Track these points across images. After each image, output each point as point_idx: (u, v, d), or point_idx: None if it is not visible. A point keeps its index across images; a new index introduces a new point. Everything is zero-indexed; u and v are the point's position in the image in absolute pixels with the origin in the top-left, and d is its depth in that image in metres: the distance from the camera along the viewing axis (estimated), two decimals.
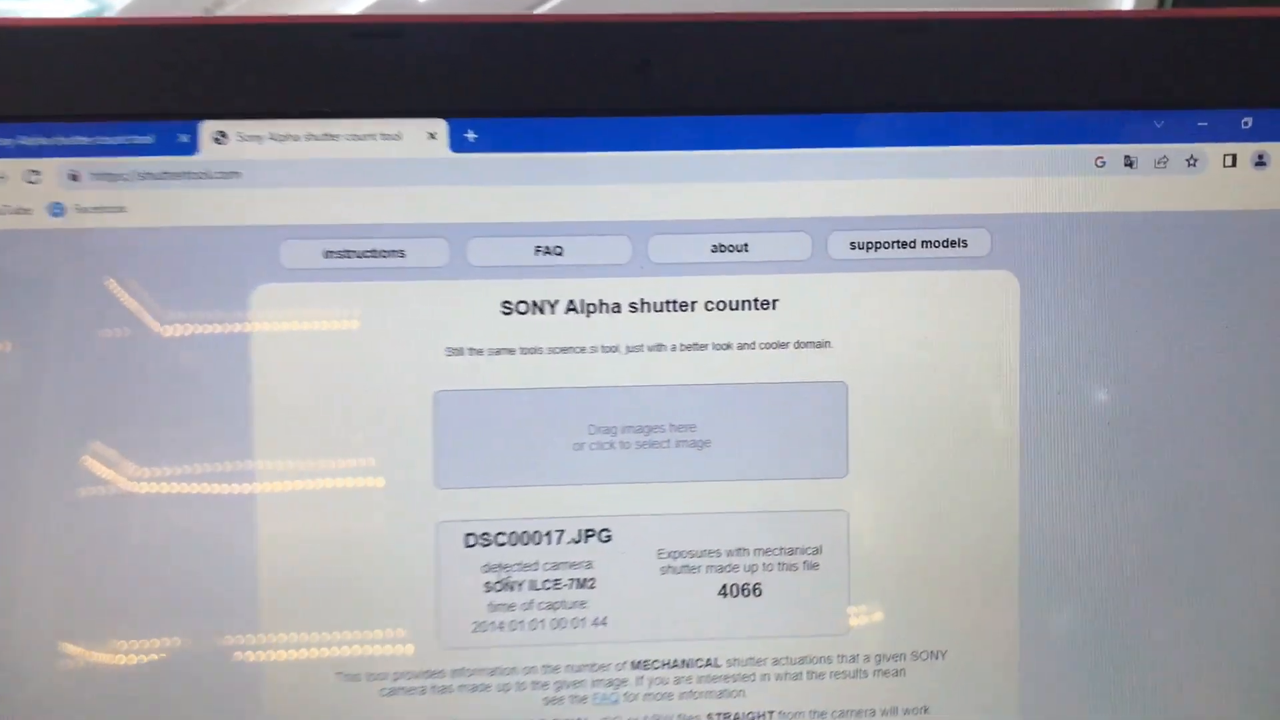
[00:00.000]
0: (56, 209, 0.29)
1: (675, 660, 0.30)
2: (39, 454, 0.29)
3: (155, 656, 0.30)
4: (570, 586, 0.30)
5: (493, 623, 0.30)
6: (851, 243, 0.30)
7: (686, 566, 0.30)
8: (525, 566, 0.30)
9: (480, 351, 0.30)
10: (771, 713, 0.31)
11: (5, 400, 0.29)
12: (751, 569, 0.30)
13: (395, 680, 0.30)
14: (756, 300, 0.30)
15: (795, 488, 0.30)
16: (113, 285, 0.29)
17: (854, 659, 0.31)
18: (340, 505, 0.30)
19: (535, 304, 0.30)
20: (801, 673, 0.31)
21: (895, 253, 0.30)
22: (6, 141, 0.29)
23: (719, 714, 0.31)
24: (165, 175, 0.29)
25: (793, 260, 0.30)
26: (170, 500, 0.30)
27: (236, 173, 0.29)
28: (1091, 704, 0.31)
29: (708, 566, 0.30)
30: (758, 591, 0.30)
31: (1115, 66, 0.30)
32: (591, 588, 0.30)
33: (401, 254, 0.30)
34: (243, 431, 0.30)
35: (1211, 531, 0.31)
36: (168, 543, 0.30)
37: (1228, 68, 0.30)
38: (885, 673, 0.31)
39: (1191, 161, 0.31)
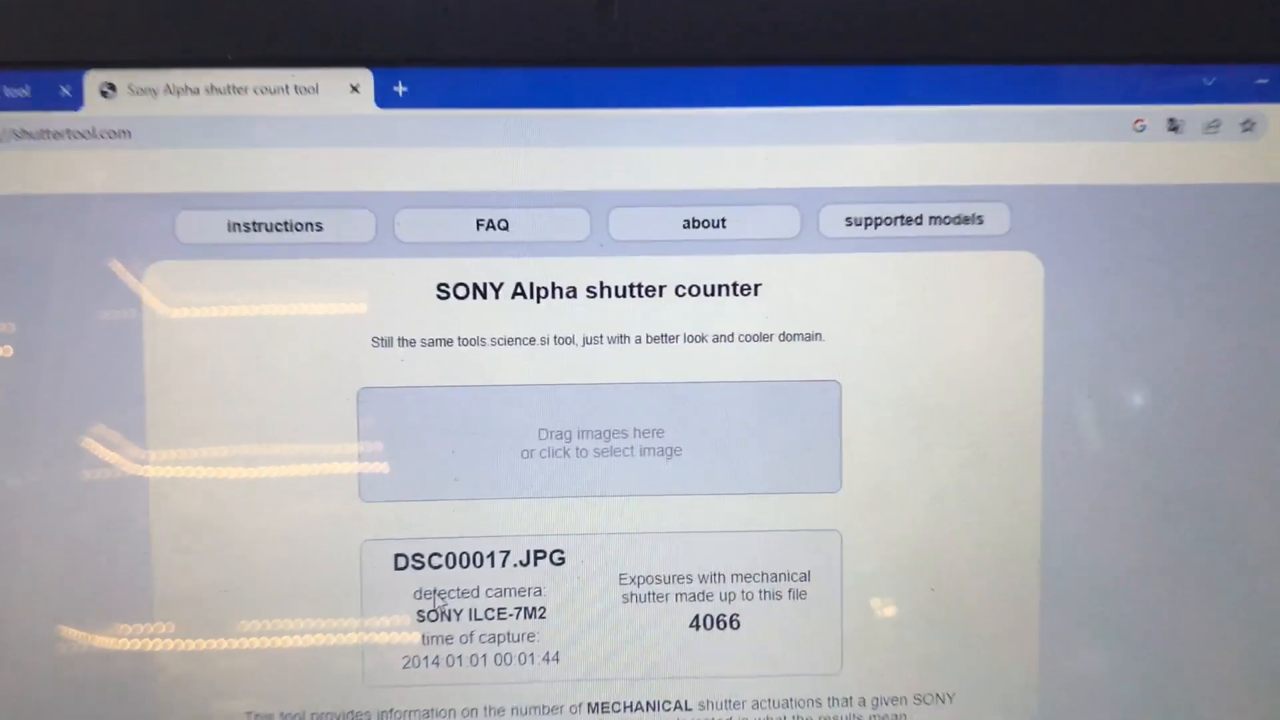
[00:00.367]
0: None
1: (639, 703, 0.27)
2: None
3: (44, 682, 0.26)
4: (517, 617, 0.26)
5: (426, 658, 0.26)
6: (847, 218, 0.26)
7: (653, 594, 0.26)
8: (464, 593, 0.26)
9: (412, 342, 0.26)
10: None
11: None
12: (728, 598, 0.27)
13: None
14: (735, 285, 0.26)
15: (780, 504, 0.26)
16: None
17: (847, 702, 0.27)
18: (248, 520, 0.26)
19: (476, 287, 0.26)
20: (785, 718, 0.26)
21: (898, 230, 0.26)
22: None
23: None
24: (44, 134, 0.25)
25: (778, 238, 0.26)
26: (55, 509, 0.25)
27: (126, 131, 0.25)
28: None
29: (678, 594, 0.27)
30: (735, 624, 0.26)
31: (1157, 13, 0.26)
32: (542, 618, 0.26)
33: (319, 227, 0.25)
34: (135, 432, 0.25)
35: (1271, 554, 0.26)
36: (52, 549, 0.25)
37: None
38: (883, 719, 0.26)
39: (1248, 126, 0.26)
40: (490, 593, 0.26)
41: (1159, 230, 0.27)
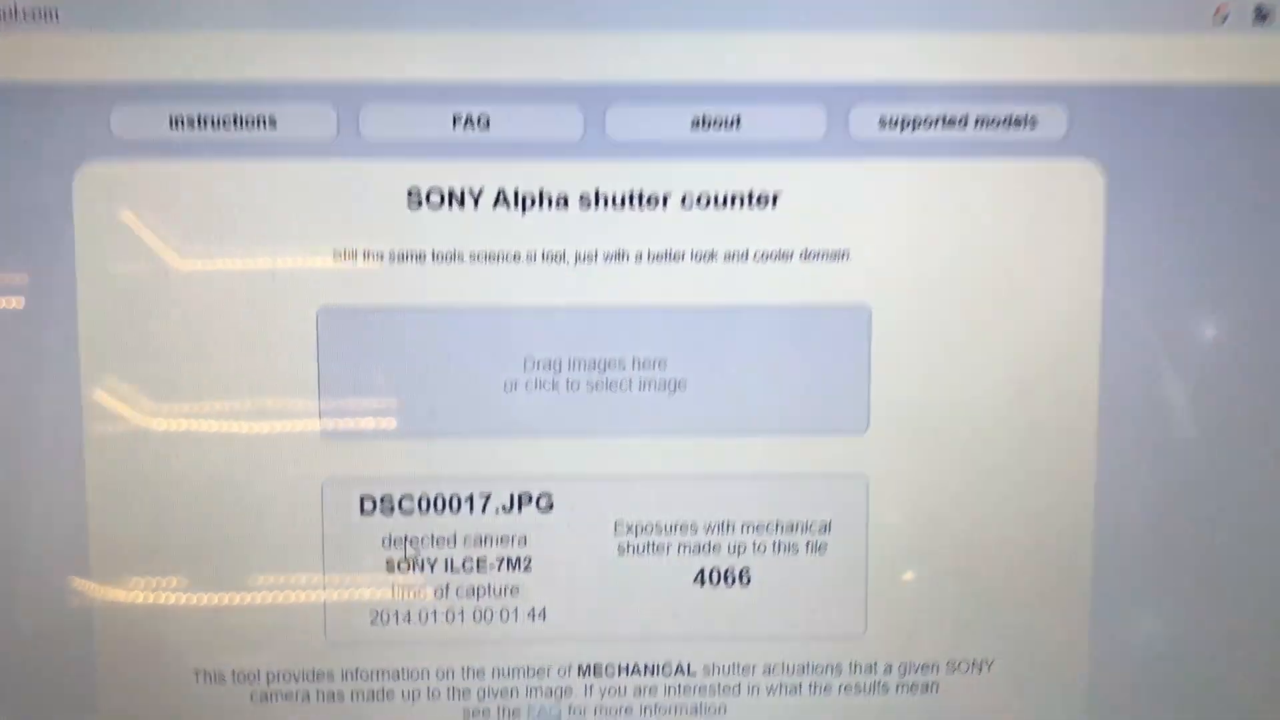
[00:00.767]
0: None
1: (636, 665, 0.24)
2: None
3: None
4: (499, 568, 0.24)
5: (396, 613, 0.23)
6: (881, 119, 0.23)
7: (652, 545, 0.24)
8: (439, 541, 0.24)
9: (379, 256, 0.23)
10: None
11: None
12: (738, 550, 0.24)
13: (270, 683, 0.24)
14: (751, 195, 0.23)
15: (798, 445, 0.24)
16: None
17: (871, 669, 0.24)
18: (193, 455, 0.23)
19: (453, 194, 0.23)
20: (801, 685, 0.24)
21: (939, 134, 0.23)
22: None
23: None
24: None
25: (801, 141, 0.23)
26: None
27: (52, 12, 0.22)
28: None
29: (680, 546, 0.24)
30: (746, 579, 0.24)
31: None
32: (527, 570, 0.24)
33: (272, 123, 0.22)
34: (65, 357, 0.22)
35: None
36: None
37: None
38: (912, 688, 0.24)
39: None
40: (468, 541, 0.24)
41: (1240, 137, 0.23)
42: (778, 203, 0.23)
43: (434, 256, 0.23)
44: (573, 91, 0.23)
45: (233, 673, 0.24)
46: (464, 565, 0.24)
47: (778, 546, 0.24)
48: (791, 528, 0.24)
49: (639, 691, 0.24)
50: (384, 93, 0.22)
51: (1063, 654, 0.24)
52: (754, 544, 0.24)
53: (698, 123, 0.23)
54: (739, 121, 0.23)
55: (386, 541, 0.23)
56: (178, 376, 0.23)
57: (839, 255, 0.23)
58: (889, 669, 0.24)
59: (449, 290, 0.23)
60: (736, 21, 0.23)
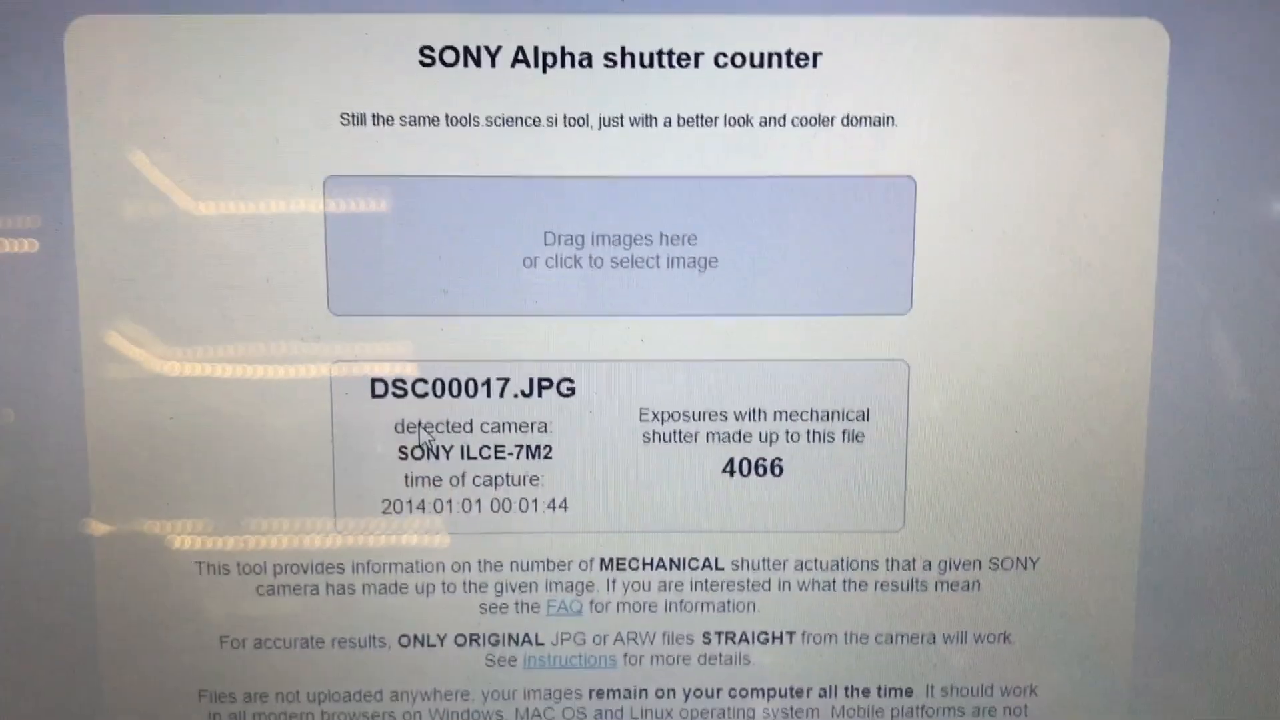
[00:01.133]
0: None
1: (661, 560, 0.23)
2: None
3: None
4: (517, 456, 0.22)
5: (410, 501, 0.22)
6: None
7: (679, 434, 0.22)
8: (455, 427, 0.22)
9: (389, 120, 0.21)
10: (792, 634, 0.23)
11: None
12: (770, 439, 0.22)
13: (276, 575, 0.22)
14: (789, 54, 0.21)
15: (835, 327, 0.22)
16: None
17: (909, 565, 0.23)
18: (193, 335, 0.21)
19: (468, 52, 0.21)
20: (835, 582, 0.23)
21: None
22: None
23: (720, 634, 0.23)
24: None
25: None
26: None
27: None
28: (1232, 634, 0.23)
29: (709, 434, 0.22)
30: (778, 469, 0.22)
31: None
32: (548, 458, 0.22)
33: None
34: (58, 225, 0.21)
35: None
36: None
37: None
38: (952, 585, 0.23)
39: None
40: (486, 428, 0.22)
41: None
42: (818, 62, 0.21)
43: (448, 120, 0.21)
44: None
45: (238, 565, 0.22)
46: (480, 453, 0.22)
47: (812, 435, 0.22)
48: (827, 416, 0.22)
49: (664, 587, 0.23)
50: None
51: (1113, 552, 0.23)
52: (787, 433, 0.22)
53: None
54: None
55: (399, 427, 0.22)
56: (176, 249, 0.21)
57: (883, 121, 0.21)
58: (927, 565, 0.23)
59: (464, 157, 0.21)
60: None
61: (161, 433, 0.22)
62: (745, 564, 0.23)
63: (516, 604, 0.23)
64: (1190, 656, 0.23)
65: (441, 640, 0.23)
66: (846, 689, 0.23)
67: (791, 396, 0.22)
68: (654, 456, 0.22)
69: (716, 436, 0.22)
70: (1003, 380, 0.22)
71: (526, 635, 0.23)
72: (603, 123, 0.21)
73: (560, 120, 0.21)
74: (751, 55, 0.21)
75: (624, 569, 0.23)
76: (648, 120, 0.21)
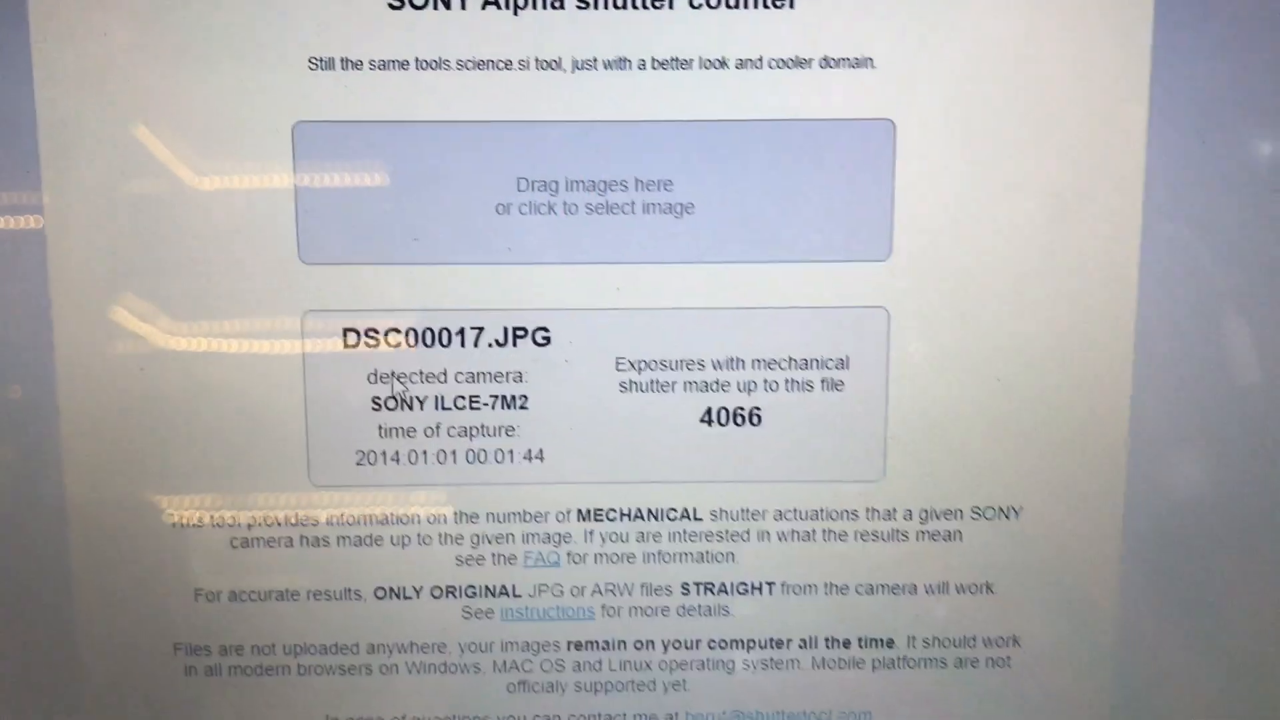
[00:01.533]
0: None
1: (639, 510, 0.23)
2: None
3: None
4: (493, 407, 0.22)
5: (383, 453, 0.22)
6: None
7: (656, 383, 0.22)
8: (429, 377, 0.22)
9: (358, 64, 0.21)
10: (772, 584, 0.23)
11: None
12: (748, 388, 0.22)
13: (250, 529, 0.22)
14: None
15: (814, 274, 0.22)
16: None
17: (890, 514, 0.23)
18: (162, 287, 0.21)
19: None
20: (815, 532, 0.23)
21: None
22: None
23: (699, 584, 0.23)
24: None
25: None
26: None
27: None
28: (1217, 583, 0.23)
29: (687, 383, 0.22)
30: (756, 419, 0.22)
31: None
32: (523, 408, 0.22)
33: None
34: (25, 170, 0.21)
35: None
36: None
37: None
38: (933, 535, 0.23)
39: None
40: (460, 378, 0.22)
41: None
42: (795, 3, 0.21)
43: (418, 64, 0.21)
44: None
45: (211, 518, 0.22)
46: (455, 403, 0.22)
47: (791, 384, 0.22)
48: (806, 364, 0.22)
49: (642, 538, 0.23)
50: None
51: (1098, 501, 0.22)
52: (765, 381, 0.22)
53: None
54: None
55: (372, 378, 0.22)
56: (142, 195, 0.21)
57: (862, 62, 0.21)
58: (908, 515, 0.23)
59: (434, 102, 0.21)
60: None
61: (132, 385, 0.22)
62: (724, 514, 0.23)
63: (493, 555, 0.23)
64: (1175, 607, 0.23)
65: (418, 592, 0.23)
66: (827, 640, 0.23)
67: (770, 344, 0.22)
68: (631, 406, 0.22)
69: (694, 385, 0.22)
70: (984, 327, 0.22)
71: (504, 587, 0.23)
72: (576, 65, 0.21)
73: (533, 63, 0.21)
74: None
75: (601, 520, 0.23)
76: (622, 62, 0.21)
